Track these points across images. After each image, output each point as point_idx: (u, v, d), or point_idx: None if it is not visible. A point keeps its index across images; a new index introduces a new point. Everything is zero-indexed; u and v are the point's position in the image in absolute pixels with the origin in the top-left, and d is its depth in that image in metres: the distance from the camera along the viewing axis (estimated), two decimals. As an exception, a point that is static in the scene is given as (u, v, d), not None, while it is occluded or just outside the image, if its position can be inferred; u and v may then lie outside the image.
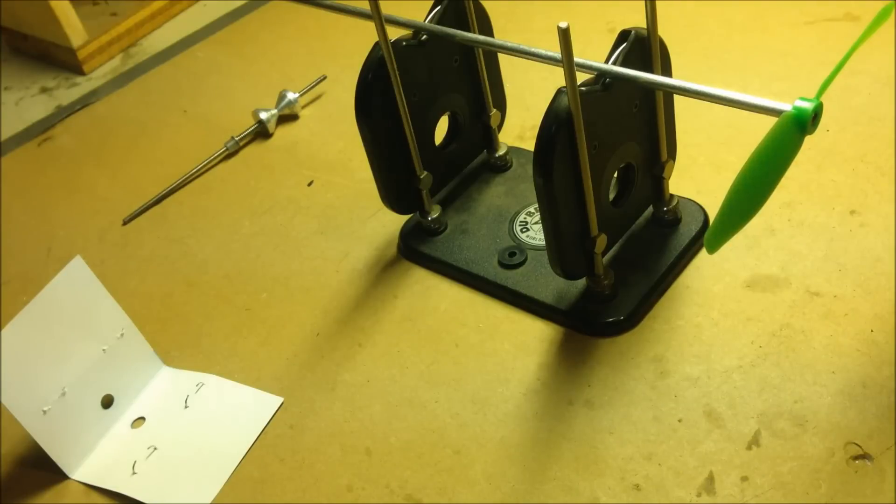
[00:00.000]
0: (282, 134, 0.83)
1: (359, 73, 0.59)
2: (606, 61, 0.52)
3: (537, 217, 0.65)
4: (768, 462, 0.49)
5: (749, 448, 0.50)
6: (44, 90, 1.02)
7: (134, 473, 0.57)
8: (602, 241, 0.55)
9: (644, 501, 0.49)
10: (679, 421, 0.52)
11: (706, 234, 0.48)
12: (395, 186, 0.63)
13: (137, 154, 0.86)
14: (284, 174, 0.78)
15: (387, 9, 0.57)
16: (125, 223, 0.78)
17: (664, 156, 0.59)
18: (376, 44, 0.58)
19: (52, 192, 0.84)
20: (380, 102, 0.59)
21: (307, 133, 0.83)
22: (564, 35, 0.47)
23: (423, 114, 0.62)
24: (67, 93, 1.00)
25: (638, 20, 0.53)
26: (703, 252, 0.60)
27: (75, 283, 0.58)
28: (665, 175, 0.59)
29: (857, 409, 0.50)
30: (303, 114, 0.85)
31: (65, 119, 0.93)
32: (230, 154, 0.82)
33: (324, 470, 0.54)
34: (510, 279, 0.61)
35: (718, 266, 0.59)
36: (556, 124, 0.50)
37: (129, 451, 0.58)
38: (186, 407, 0.60)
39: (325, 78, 0.86)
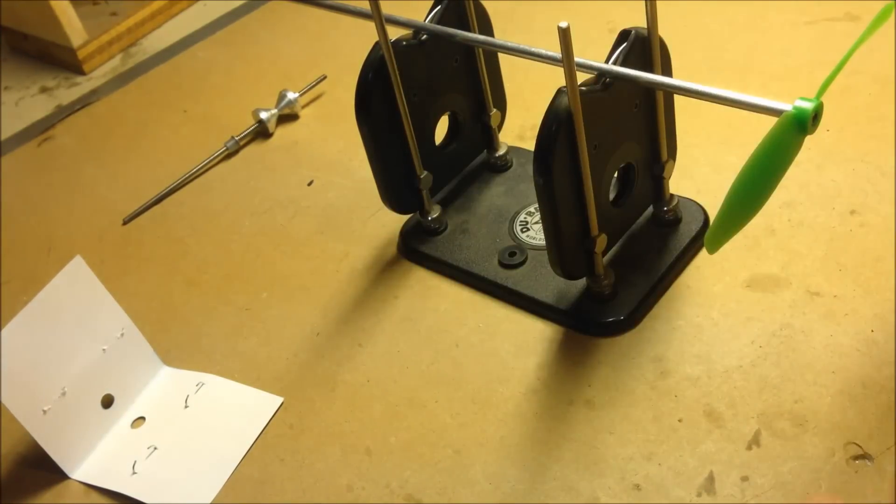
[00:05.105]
0: (282, 134, 0.83)
1: (359, 73, 0.59)
2: (606, 61, 0.52)
3: (537, 217, 0.65)
4: (768, 462, 0.49)
5: (749, 448, 0.50)
6: (44, 90, 1.02)
7: (134, 473, 0.57)
8: (602, 240, 0.55)
9: (644, 501, 0.49)
10: (679, 421, 0.52)
11: (706, 234, 0.48)
12: (395, 186, 0.63)
13: (137, 154, 0.86)
14: (284, 174, 0.78)
15: (387, 9, 0.57)
16: (125, 223, 0.78)
17: (664, 156, 0.59)
18: (376, 44, 0.58)
19: (52, 192, 0.84)
20: (380, 102, 0.59)
21: (307, 133, 0.83)
22: (564, 35, 0.47)
23: (423, 114, 0.62)
24: (67, 93, 1.00)
25: (638, 20, 0.53)
26: (703, 252, 0.60)
27: (75, 283, 0.58)
28: (665, 175, 0.59)
29: (857, 409, 0.50)
30: (303, 113, 0.85)
31: (65, 119, 0.93)
32: (230, 154, 0.82)
33: (324, 470, 0.54)
34: (510, 279, 0.61)
35: (718, 266, 0.59)
36: (556, 124, 0.50)
37: (129, 451, 0.58)
38: (186, 407, 0.60)
39: (325, 78, 0.86)
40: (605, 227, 0.55)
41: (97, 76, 1.02)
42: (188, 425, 0.59)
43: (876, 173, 0.63)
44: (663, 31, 0.53)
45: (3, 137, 0.95)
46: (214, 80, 0.94)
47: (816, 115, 0.42)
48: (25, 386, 0.55)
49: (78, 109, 0.95)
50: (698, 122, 0.68)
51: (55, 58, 1.05)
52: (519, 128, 0.73)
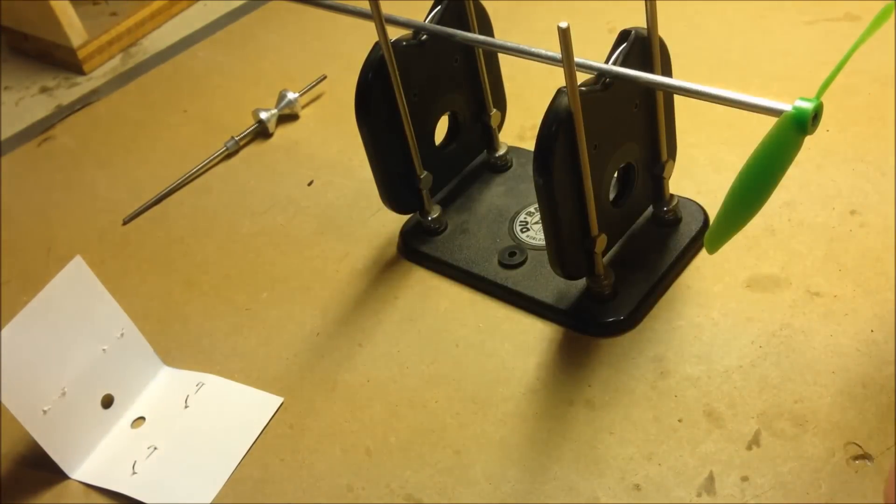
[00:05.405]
0: (282, 134, 0.83)
1: (359, 73, 0.59)
2: (606, 61, 0.52)
3: (537, 217, 0.65)
4: (768, 462, 0.49)
5: (749, 448, 0.50)
6: (44, 90, 1.02)
7: (134, 473, 0.57)
8: (602, 240, 0.55)
9: (644, 501, 0.49)
10: (679, 421, 0.52)
11: (706, 235, 0.48)
12: (395, 186, 0.63)
13: (137, 154, 0.86)
14: (284, 174, 0.78)
15: (387, 9, 0.57)
16: (125, 223, 0.78)
17: (664, 156, 0.59)
18: (376, 44, 0.58)
19: (52, 192, 0.84)
20: (380, 102, 0.59)
21: (307, 133, 0.83)
22: (564, 35, 0.47)
23: (423, 114, 0.62)
24: (67, 93, 1.00)
25: (638, 20, 0.53)
26: (703, 252, 0.60)
27: (75, 283, 0.58)
28: (665, 175, 0.59)
29: (857, 409, 0.50)
30: (303, 114, 0.85)
31: (65, 119, 0.93)
32: (230, 154, 0.82)
33: (324, 470, 0.54)
34: (510, 279, 0.61)
35: (718, 266, 0.59)
36: (556, 124, 0.50)
37: (129, 451, 0.58)
38: (186, 407, 0.60)
39: (325, 78, 0.86)
40: (605, 227, 0.55)
41: (97, 76, 1.02)
42: (188, 425, 0.59)
43: (876, 173, 0.63)
44: (663, 31, 0.53)
45: (3, 137, 0.95)
46: (214, 80, 0.94)
47: (816, 115, 0.42)
48: (25, 386, 0.55)
49: (78, 109, 0.95)
50: (698, 122, 0.68)
51: (55, 58, 1.05)
52: (519, 128, 0.73)
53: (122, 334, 0.61)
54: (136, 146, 0.87)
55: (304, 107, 0.85)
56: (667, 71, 0.55)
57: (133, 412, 0.61)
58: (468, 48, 0.63)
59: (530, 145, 0.55)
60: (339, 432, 0.56)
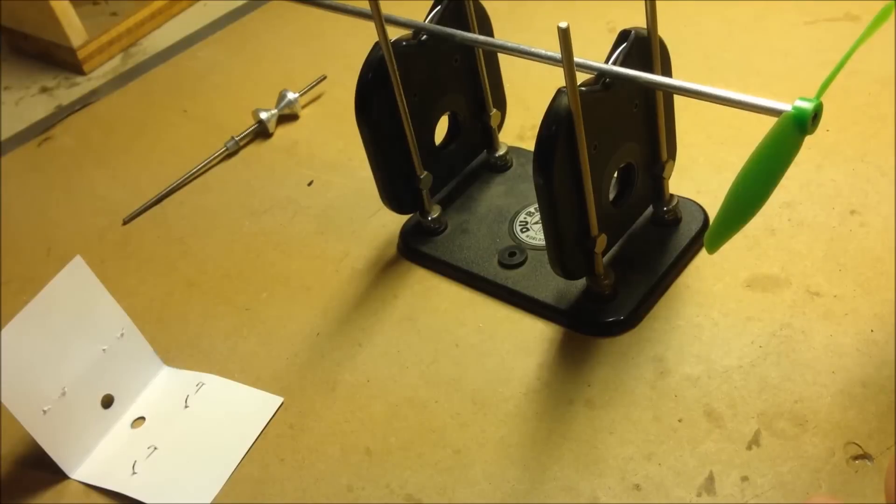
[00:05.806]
0: (282, 134, 0.83)
1: (359, 73, 0.59)
2: (606, 61, 0.52)
3: (537, 217, 0.65)
4: (768, 462, 0.49)
5: (749, 448, 0.50)
6: (44, 90, 1.02)
7: (134, 473, 0.57)
8: (602, 240, 0.55)
9: (644, 501, 0.49)
10: (679, 421, 0.52)
11: (706, 234, 0.48)
12: (395, 186, 0.63)
13: (137, 154, 0.86)
14: (284, 174, 0.78)
15: (387, 9, 0.57)
16: (125, 223, 0.78)
17: (664, 156, 0.59)
18: (376, 44, 0.58)
19: (52, 192, 0.84)
20: (380, 102, 0.59)
21: (307, 133, 0.83)
22: (564, 35, 0.47)
23: (423, 114, 0.62)
24: (67, 93, 1.00)
25: (638, 20, 0.53)
26: (703, 252, 0.60)
27: (75, 283, 0.58)
28: (665, 175, 0.59)
29: (857, 409, 0.50)
30: (303, 114, 0.85)
31: (65, 119, 0.93)
32: (230, 154, 0.82)
33: (324, 470, 0.54)
34: (510, 279, 0.61)
35: (718, 266, 0.59)
36: (556, 124, 0.50)
37: (129, 451, 0.58)
38: (186, 407, 0.60)
39: (325, 78, 0.86)
40: (605, 227, 0.55)
41: (97, 76, 1.02)
42: (188, 425, 0.59)
43: (876, 173, 0.63)
44: (663, 31, 0.53)
45: (3, 137, 0.95)
46: (214, 80, 0.94)
47: (816, 115, 0.42)
48: (25, 386, 0.55)
49: (78, 109, 0.95)
50: (698, 122, 0.68)
51: (55, 58, 1.05)
52: (519, 128, 0.73)
53: (122, 334, 0.61)
54: (136, 146, 0.87)
55: (304, 107, 0.85)
56: (667, 71, 0.55)
57: (133, 412, 0.61)
58: (468, 48, 0.63)
59: (530, 145, 0.55)
60: (339, 432, 0.56)
